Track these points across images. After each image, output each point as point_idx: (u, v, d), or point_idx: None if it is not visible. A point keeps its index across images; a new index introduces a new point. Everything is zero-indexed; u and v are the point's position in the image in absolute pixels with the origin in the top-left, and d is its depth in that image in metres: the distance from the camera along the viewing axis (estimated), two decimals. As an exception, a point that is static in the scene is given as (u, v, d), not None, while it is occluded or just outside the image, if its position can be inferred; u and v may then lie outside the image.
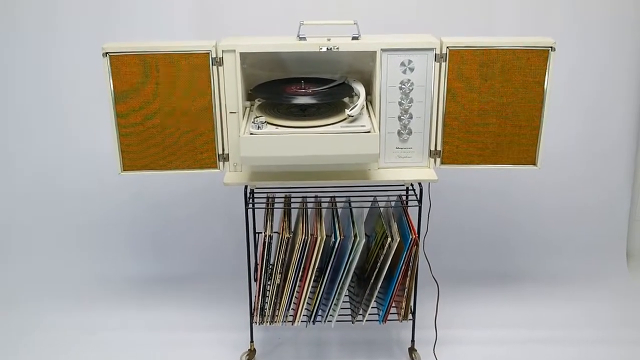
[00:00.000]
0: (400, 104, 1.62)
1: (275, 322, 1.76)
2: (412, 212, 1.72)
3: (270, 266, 1.73)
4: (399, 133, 1.65)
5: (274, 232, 1.69)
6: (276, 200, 1.81)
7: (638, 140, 2.39)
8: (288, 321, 1.76)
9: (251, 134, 1.49)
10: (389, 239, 1.63)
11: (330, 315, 1.75)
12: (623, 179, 2.41)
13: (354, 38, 1.60)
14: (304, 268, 1.67)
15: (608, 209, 2.44)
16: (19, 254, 2.43)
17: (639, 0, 2.17)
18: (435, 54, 1.56)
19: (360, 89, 1.63)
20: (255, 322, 1.78)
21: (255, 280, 1.80)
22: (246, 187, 1.67)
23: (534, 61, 1.55)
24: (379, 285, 1.69)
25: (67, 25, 2.21)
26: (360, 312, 1.77)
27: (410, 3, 2.18)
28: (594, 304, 2.17)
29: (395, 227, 1.69)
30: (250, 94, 1.71)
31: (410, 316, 1.78)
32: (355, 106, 1.55)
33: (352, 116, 1.54)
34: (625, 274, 2.39)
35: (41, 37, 2.23)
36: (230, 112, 1.61)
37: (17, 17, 2.20)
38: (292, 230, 1.73)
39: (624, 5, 2.18)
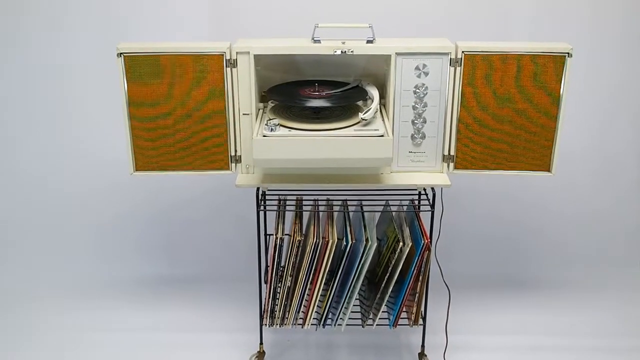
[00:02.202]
0: (414, 108, 1.61)
1: (285, 324, 1.76)
2: (425, 217, 1.71)
3: (281, 269, 1.73)
4: (413, 137, 1.64)
5: (285, 235, 1.69)
6: (288, 202, 1.81)
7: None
8: (298, 324, 1.75)
9: (264, 136, 1.48)
10: (401, 244, 1.62)
11: (341, 318, 1.75)
12: (636, 187, 2.39)
13: (369, 41, 1.59)
14: (314, 271, 1.66)
15: (620, 216, 2.42)
16: (29, 254, 2.43)
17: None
18: (450, 58, 1.55)
19: (374, 92, 1.62)
20: (265, 324, 1.78)
21: (266, 282, 1.80)
22: (258, 189, 1.67)
23: (550, 67, 1.53)
24: (389, 290, 1.68)
25: (77, 26, 2.21)
26: (371, 316, 1.76)
27: (425, 7, 2.17)
28: (605, 312, 2.15)
29: (407, 231, 1.68)
30: (264, 96, 1.71)
31: (420, 321, 1.78)
32: (369, 110, 1.54)
33: (366, 120, 1.54)
34: (638, 282, 2.37)
35: (51, 37, 2.23)
36: (244, 114, 1.60)
37: (25, 17, 2.21)
38: (304, 233, 1.73)
39: (637, 11, 2.16)
